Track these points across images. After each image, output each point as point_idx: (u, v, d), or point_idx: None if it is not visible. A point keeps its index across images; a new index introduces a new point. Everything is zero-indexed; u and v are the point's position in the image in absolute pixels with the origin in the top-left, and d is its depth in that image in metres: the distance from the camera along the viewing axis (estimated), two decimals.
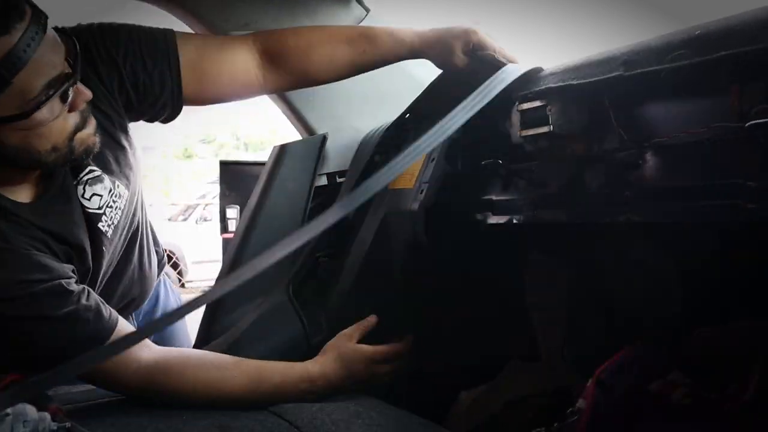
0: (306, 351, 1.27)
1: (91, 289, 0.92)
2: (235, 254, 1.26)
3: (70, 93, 0.82)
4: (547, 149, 1.02)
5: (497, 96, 0.94)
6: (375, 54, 1.14)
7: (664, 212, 0.79)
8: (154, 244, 1.31)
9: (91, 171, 0.99)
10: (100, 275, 1.05)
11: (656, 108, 0.87)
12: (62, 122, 0.84)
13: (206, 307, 1.24)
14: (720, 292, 0.99)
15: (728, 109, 0.74)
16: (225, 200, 1.96)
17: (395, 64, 1.44)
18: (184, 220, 8.68)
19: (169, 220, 8.69)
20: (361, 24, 1.41)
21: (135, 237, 1.16)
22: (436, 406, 1.26)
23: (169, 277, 1.47)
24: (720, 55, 0.68)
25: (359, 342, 1.08)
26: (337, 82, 1.38)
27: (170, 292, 1.42)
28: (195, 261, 7.47)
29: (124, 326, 0.93)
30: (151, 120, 1.10)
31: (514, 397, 1.19)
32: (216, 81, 1.09)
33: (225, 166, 1.98)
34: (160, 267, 1.37)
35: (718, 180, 0.72)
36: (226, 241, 1.92)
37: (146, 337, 0.95)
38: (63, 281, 0.87)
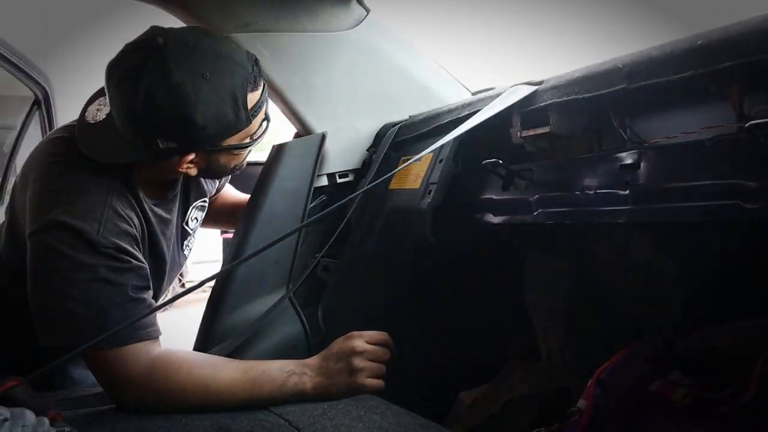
0: (306, 351, 1.27)
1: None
2: (235, 253, 1.26)
3: (264, 129, 1.09)
4: (548, 149, 1.02)
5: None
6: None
7: (664, 212, 0.79)
8: None
9: (204, 200, 1.31)
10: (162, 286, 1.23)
11: (658, 112, 0.88)
12: (251, 149, 1.13)
13: (207, 307, 1.25)
14: (720, 292, 0.99)
15: (728, 110, 0.74)
16: None
17: (394, 65, 1.45)
18: None
19: None
20: (361, 24, 1.42)
21: None
22: (437, 406, 1.26)
23: None
24: (723, 66, 0.69)
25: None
26: (336, 83, 1.39)
27: None
28: (195, 261, 7.45)
29: (155, 345, 1.00)
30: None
31: (514, 397, 1.19)
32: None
33: None
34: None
35: (718, 180, 0.72)
36: (226, 241, 1.93)
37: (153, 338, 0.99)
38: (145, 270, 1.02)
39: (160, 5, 1.27)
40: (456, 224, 1.14)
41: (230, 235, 1.53)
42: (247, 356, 1.19)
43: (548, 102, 0.94)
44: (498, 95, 1.04)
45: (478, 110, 1.03)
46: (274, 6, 1.32)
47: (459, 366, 1.30)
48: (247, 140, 1.07)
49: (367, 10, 1.43)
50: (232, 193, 1.58)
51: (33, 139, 2.48)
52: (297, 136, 1.41)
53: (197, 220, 1.31)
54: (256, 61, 1.03)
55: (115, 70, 0.96)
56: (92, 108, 1.06)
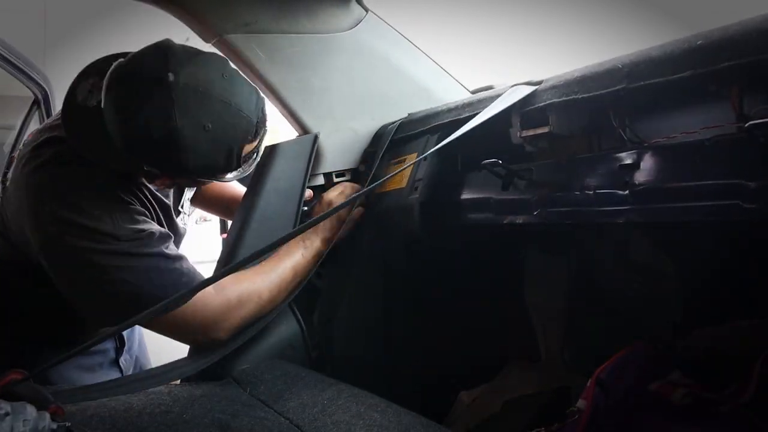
0: (304, 351, 1.27)
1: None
2: (230, 254, 1.26)
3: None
4: (547, 149, 1.02)
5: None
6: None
7: (664, 212, 0.79)
8: None
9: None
10: None
11: (657, 112, 0.88)
12: None
13: None
14: (720, 292, 0.99)
15: (728, 109, 0.74)
16: None
17: (394, 65, 1.44)
18: None
19: None
20: (361, 24, 1.42)
21: None
22: (437, 406, 1.26)
23: None
24: (723, 66, 0.69)
25: None
26: (335, 84, 1.39)
27: None
28: (195, 261, 7.43)
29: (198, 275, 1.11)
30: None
31: (514, 397, 1.19)
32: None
33: None
34: None
35: (717, 180, 0.72)
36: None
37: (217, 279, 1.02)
38: (167, 232, 1.10)
39: (160, 5, 1.27)
40: (448, 221, 1.15)
41: None
42: (245, 356, 1.19)
43: (548, 102, 0.95)
44: (497, 95, 1.04)
45: (478, 112, 1.04)
46: (274, 6, 1.32)
47: (459, 366, 1.30)
48: (230, 176, 1.09)
49: (366, 11, 1.43)
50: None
51: None
52: None
53: (188, 201, 1.40)
54: (263, 109, 1.04)
55: (120, 84, 0.96)
56: (83, 87, 1.05)
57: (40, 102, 2.37)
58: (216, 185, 1.61)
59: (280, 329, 1.26)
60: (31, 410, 0.67)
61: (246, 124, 1.00)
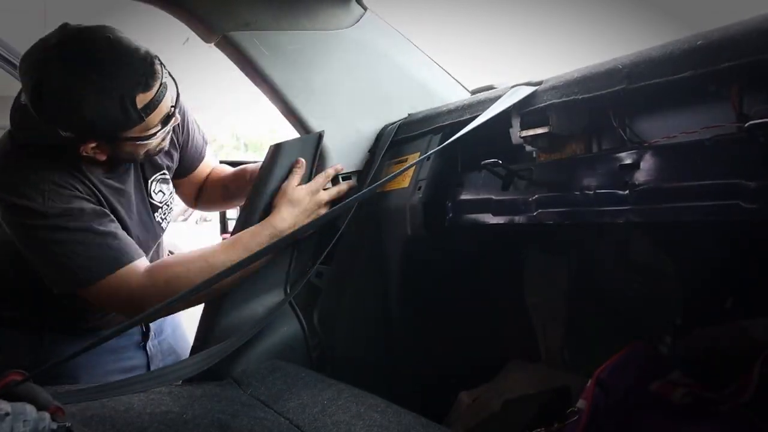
0: (305, 351, 1.27)
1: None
2: None
3: (169, 123, 1.16)
4: (547, 149, 1.02)
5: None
6: None
7: (664, 212, 0.79)
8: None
9: (163, 173, 1.38)
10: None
11: (657, 112, 0.88)
12: (159, 139, 1.18)
13: (205, 307, 1.25)
14: (720, 292, 0.99)
15: (728, 109, 0.74)
16: None
17: (393, 63, 1.44)
18: (185, 220, 8.67)
19: None
20: (360, 21, 1.42)
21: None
22: (437, 406, 1.26)
23: None
24: (723, 66, 0.69)
25: None
26: (336, 82, 1.39)
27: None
28: None
29: (143, 262, 1.17)
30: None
31: (514, 397, 1.19)
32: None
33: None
34: None
35: (717, 180, 0.72)
36: None
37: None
38: (103, 210, 1.17)
39: (159, 5, 1.27)
40: (450, 221, 1.15)
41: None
42: (245, 357, 1.19)
43: (548, 102, 0.95)
44: (498, 96, 1.04)
45: (479, 113, 1.04)
46: (274, 5, 1.32)
47: (459, 366, 1.30)
48: (146, 134, 1.13)
49: (365, 9, 1.43)
50: (224, 169, 1.60)
51: None
52: None
53: (163, 193, 1.40)
54: (151, 64, 1.08)
55: (22, 62, 1.08)
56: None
57: None
58: (213, 172, 1.58)
59: (280, 329, 1.26)
60: (31, 410, 0.66)
61: (132, 72, 1.05)
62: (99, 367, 1.31)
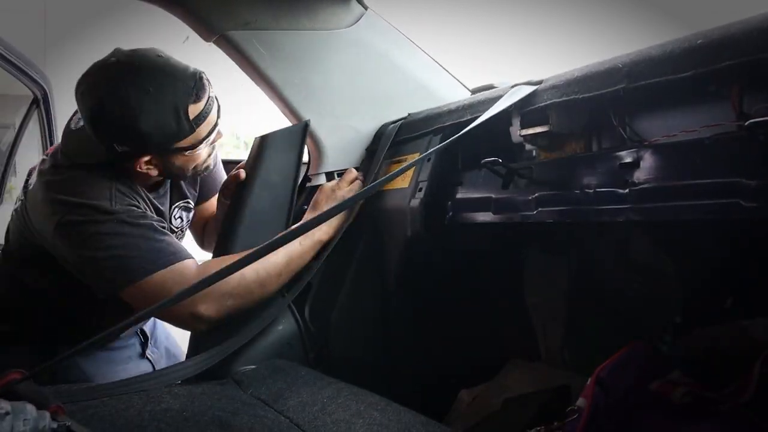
0: (302, 349, 1.27)
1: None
2: (222, 249, 1.26)
3: (214, 135, 1.23)
4: (547, 148, 1.02)
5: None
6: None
7: (664, 211, 0.79)
8: None
9: (186, 201, 1.46)
10: None
11: (657, 111, 0.88)
12: (206, 151, 1.26)
13: None
14: (720, 292, 0.99)
15: (728, 108, 0.74)
16: None
17: (393, 63, 1.45)
18: None
19: None
20: (360, 21, 1.42)
21: None
22: (437, 404, 1.26)
23: None
24: (723, 65, 0.69)
25: None
26: (335, 81, 1.39)
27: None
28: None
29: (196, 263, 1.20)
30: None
31: (514, 396, 1.19)
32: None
33: (225, 165, 1.97)
34: None
35: (717, 179, 0.72)
36: None
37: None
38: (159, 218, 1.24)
39: (160, 5, 1.28)
40: (450, 221, 1.15)
41: None
42: (245, 356, 1.19)
43: (548, 102, 0.95)
44: (498, 96, 1.04)
45: (479, 114, 1.04)
46: (273, 4, 1.32)
47: (459, 365, 1.30)
48: (196, 144, 1.20)
49: (365, 8, 1.43)
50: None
51: (32, 138, 2.48)
52: None
53: (181, 220, 1.46)
54: (200, 78, 1.16)
55: (80, 85, 1.15)
56: (75, 117, 1.28)
57: (40, 101, 2.37)
58: (210, 204, 1.59)
59: (279, 329, 1.26)
60: (31, 409, 0.66)
61: (184, 85, 1.13)
62: (107, 378, 1.32)
